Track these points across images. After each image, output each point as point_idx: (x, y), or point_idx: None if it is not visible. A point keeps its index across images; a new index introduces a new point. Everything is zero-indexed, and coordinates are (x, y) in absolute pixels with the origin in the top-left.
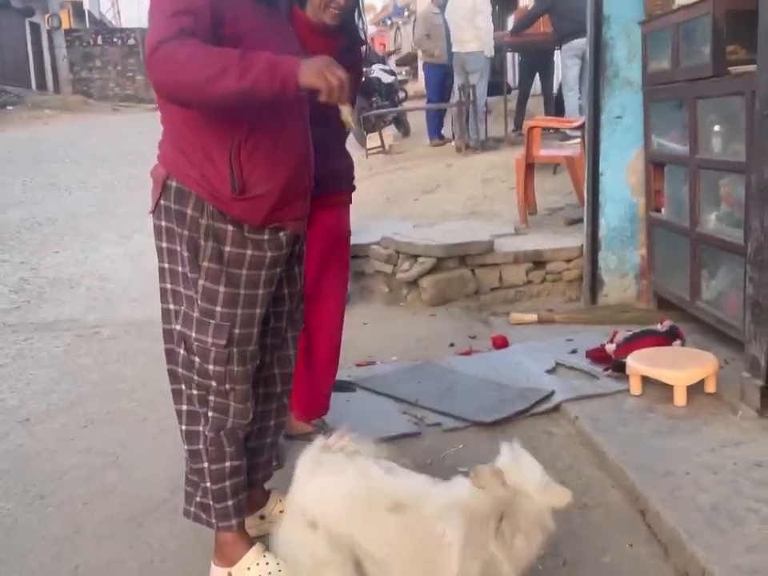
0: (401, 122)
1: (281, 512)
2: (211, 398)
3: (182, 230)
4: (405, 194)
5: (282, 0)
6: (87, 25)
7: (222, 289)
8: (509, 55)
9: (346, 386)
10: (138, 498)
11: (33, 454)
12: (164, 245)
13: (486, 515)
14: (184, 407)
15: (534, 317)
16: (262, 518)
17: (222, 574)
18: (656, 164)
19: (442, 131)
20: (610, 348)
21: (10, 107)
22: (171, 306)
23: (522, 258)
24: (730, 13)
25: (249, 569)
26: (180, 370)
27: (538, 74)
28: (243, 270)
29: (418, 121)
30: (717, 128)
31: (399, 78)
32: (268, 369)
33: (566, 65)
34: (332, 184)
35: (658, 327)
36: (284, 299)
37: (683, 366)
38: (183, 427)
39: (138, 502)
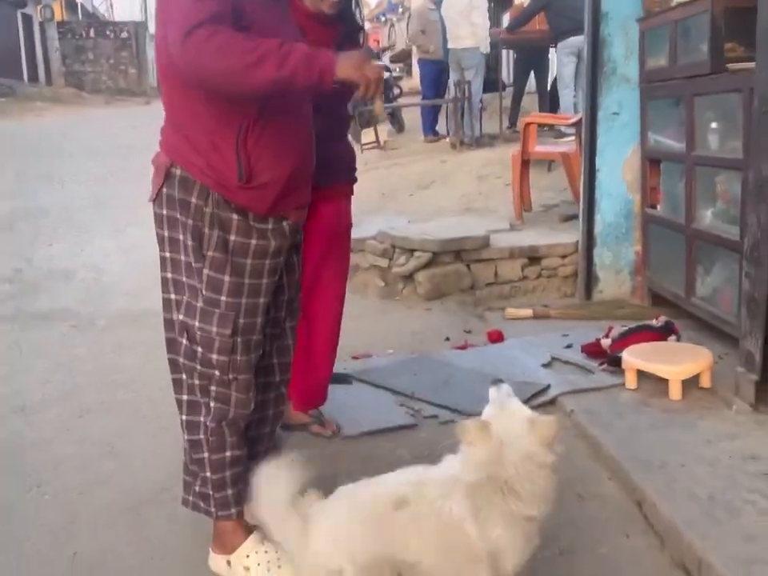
0: (395, 118)
1: None
2: (213, 387)
3: (186, 219)
4: (400, 189)
5: None
6: (80, 17)
7: (226, 278)
8: (504, 52)
9: (343, 379)
10: (135, 488)
11: (28, 443)
12: (166, 234)
13: (482, 478)
14: (185, 397)
15: (529, 312)
16: None
17: (221, 561)
18: (652, 161)
19: (437, 127)
20: (606, 343)
21: (1, 99)
22: (173, 296)
23: (517, 253)
24: (728, 10)
25: (248, 556)
26: (181, 359)
27: (532, 72)
28: (248, 259)
29: (412, 117)
30: (714, 125)
31: (394, 74)
32: (267, 358)
33: (562, 62)
34: (334, 174)
35: (653, 322)
36: (283, 289)
37: (678, 360)
38: (184, 417)
39: (135, 491)
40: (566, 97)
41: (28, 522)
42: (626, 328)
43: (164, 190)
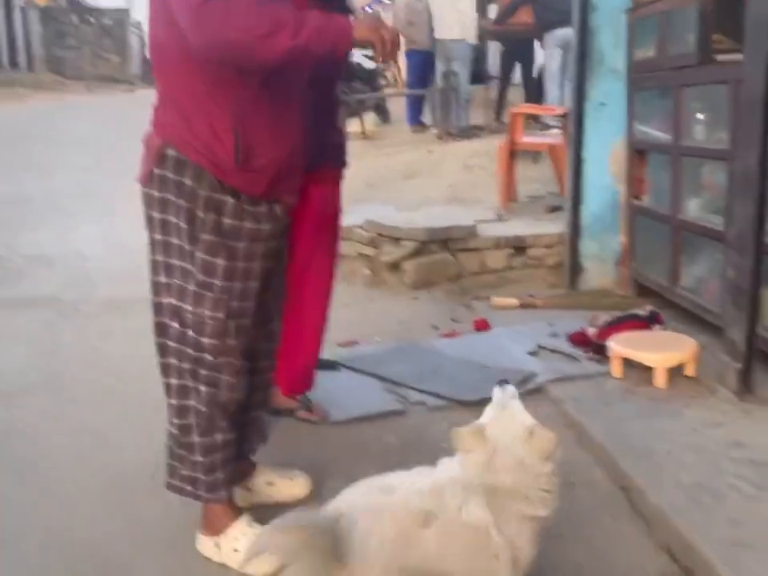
0: (381, 108)
1: (267, 483)
2: (203, 371)
3: (180, 201)
4: (386, 179)
5: None
6: (62, 2)
7: (220, 261)
8: (490, 44)
9: (330, 365)
10: (124, 473)
11: (13, 430)
12: (158, 216)
13: (486, 482)
14: (174, 381)
15: (515, 301)
16: (249, 489)
17: (209, 543)
18: (638, 152)
19: (422, 118)
20: (592, 332)
21: None
22: (163, 279)
23: (503, 243)
24: (716, 2)
25: (236, 538)
26: (171, 343)
27: (518, 64)
28: (241, 242)
29: (398, 108)
30: (701, 116)
31: (380, 65)
32: (254, 343)
33: (549, 54)
34: (325, 159)
35: (639, 311)
36: (270, 273)
37: (664, 348)
38: (173, 401)
39: (123, 476)
40: (552, 89)
41: (22, 511)
42: (612, 317)
43: (156, 171)
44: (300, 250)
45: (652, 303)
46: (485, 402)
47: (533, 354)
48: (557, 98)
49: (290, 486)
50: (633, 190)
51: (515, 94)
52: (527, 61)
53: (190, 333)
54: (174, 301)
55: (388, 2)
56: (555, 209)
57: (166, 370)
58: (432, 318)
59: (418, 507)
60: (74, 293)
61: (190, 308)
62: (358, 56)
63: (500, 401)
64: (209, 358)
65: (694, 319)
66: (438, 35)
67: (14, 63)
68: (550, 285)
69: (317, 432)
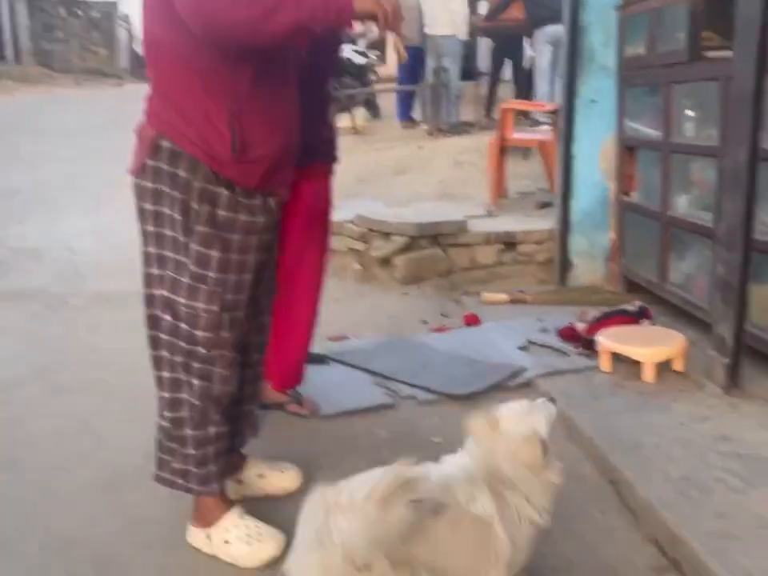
0: (371, 104)
1: (258, 476)
2: (196, 364)
3: (174, 192)
4: (376, 174)
5: None
6: None
7: (214, 253)
8: (480, 40)
9: (320, 359)
10: (112, 465)
11: (2, 421)
12: (150, 207)
13: (492, 476)
14: (166, 374)
15: (505, 297)
16: (240, 482)
17: (200, 534)
18: (628, 148)
19: (413, 114)
20: (581, 327)
21: None
22: (155, 271)
23: (493, 239)
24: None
25: (227, 530)
26: (163, 335)
27: (508, 60)
28: (235, 234)
29: (388, 104)
30: (690, 113)
31: (369, 61)
32: (245, 336)
33: (539, 51)
34: (316, 154)
35: (628, 307)
36: (263, 266)
37: (652, 343)
38: (165, 394)
39: (112, 468)
40: (542, 86)
41: (4, 499)
42: (601, 312)
43: (149, 162)
44: (291, 245)
45: (641, 299)
46: (474, 395)
47: (522, 348)
48: (546, 93)
49: (281, 478)
50: (622, 186)
51: (505, 90)
52: (517, 57)
53: (183, 325)
54: (166, 293)
55: None
56: (545, 205)
57: (157, 362)
58: (422, 313)
59: (431, 495)
60: (62, 285)
61: (183, 300)
62: (348, 51)
63: (533, 406)
64: (202, 350)
65: (682, 315)
66: (428, 31)
67: (1, 56)
68: (539, 281)
69: (307, 426)
